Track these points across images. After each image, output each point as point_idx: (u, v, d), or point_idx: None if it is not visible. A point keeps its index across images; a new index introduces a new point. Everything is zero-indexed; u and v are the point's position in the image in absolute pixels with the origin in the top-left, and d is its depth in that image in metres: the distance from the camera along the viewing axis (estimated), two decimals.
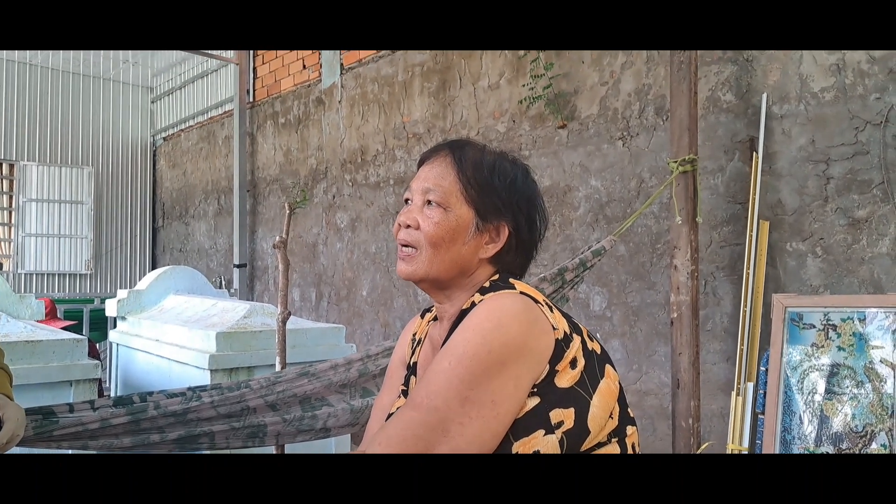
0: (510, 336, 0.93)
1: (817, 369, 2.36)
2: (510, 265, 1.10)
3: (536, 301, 1.00)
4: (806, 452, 2.28)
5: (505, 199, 1.07)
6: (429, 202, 1.06)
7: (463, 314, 1.01)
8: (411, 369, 1.18)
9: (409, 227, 1.07)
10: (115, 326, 4.34)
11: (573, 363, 0.97)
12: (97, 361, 2.63)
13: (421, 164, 1.12)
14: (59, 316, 4.11)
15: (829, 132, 2.72)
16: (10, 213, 7.65)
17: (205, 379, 2.87)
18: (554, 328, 0.97)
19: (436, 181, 1.06)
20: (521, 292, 1.01)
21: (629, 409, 1.05)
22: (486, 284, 1.06)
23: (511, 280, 1.07)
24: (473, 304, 1.01)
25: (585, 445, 0.96)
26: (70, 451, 1.76)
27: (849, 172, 2.67)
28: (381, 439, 0.93)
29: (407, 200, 1.10)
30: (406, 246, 1.07)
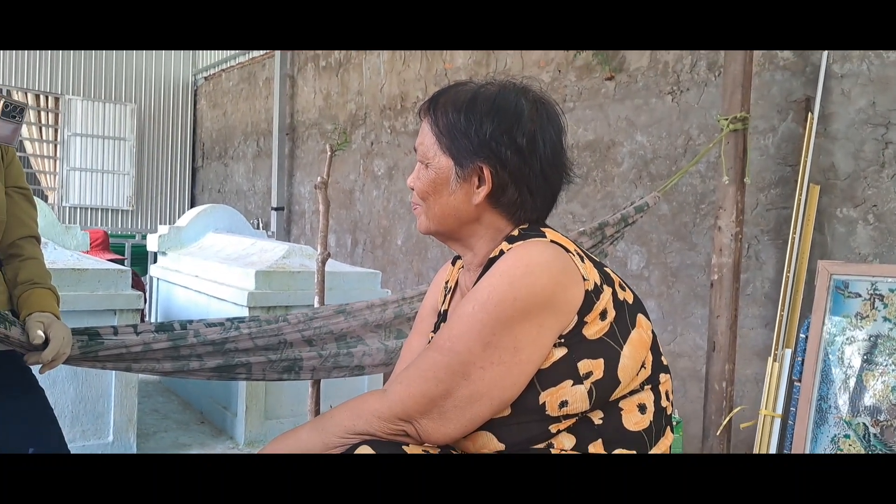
0: (538, 285, 0.92)
1: (860, 339, 2.30)
2: (515, 204, 1.03)
3: (568, 250, 0.98)
4: (841, 422, 2.24)
5: (477, 138, 1.00)
6: (420, 161, 1.08)
7: (491, 262, 0.99)
8: (441, 317, 1.18)
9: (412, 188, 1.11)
10: (155, 261, 4.44)
11: (603, 314, 0.96)
12: (140, 292, 2.69)
13: None
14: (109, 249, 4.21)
15: (891, 94, 2.60)
16: (56, 146, 7.79)
17: (243, 315, 2.92)
18: (584, 279, 0.95)
19: (420, 139, 1.08)
20: (552, 241, 0.99)
21: (663, 358, 1.04)
22: (516, 233, 1.03)
23: (543, 229, 1.04)
24: (502, 252, 0.99)
25: (616, 395, 0.96)
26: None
27: None
28: (403, 378, 0.96)
29: None
30: (415, 205, 1.11)
